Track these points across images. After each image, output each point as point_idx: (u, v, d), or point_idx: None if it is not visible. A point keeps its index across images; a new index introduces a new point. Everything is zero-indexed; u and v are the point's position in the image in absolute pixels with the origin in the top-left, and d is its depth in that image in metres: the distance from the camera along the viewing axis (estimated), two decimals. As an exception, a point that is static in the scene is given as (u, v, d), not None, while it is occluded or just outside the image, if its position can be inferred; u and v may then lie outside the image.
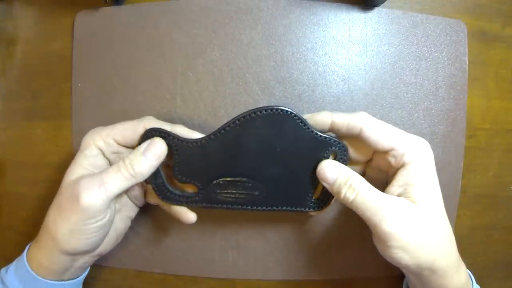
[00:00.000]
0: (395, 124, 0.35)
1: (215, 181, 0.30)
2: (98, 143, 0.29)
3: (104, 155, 0.30)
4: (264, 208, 0.30)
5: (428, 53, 0.36)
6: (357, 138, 0.28)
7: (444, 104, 0.36)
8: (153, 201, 0.33)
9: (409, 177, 0.27)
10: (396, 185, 0.27)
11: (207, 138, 0.29)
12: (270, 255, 0.36)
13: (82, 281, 0.33)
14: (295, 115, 0.28)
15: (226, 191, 0.30)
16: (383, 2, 0.34)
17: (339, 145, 0.29)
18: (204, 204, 0.30)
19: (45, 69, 0.37)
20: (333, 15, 0.35)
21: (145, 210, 0.35)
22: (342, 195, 0.27)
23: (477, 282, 0.30)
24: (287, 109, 0.27)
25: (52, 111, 0.37)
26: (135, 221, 0.34)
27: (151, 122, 0.30)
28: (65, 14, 0.37)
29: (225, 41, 0.35)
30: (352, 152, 0.30)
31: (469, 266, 0.30)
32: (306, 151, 0.28)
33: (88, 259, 0.31)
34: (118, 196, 0.28)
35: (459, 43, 0.36)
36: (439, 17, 0.36)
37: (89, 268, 0.33)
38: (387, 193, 0.27)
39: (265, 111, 0.27)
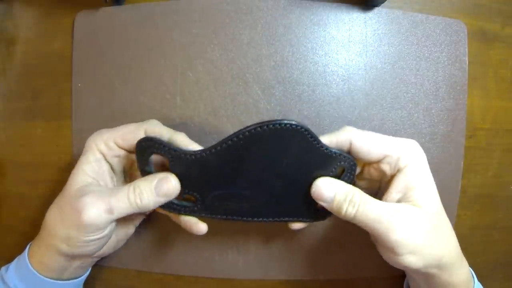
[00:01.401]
0: (395, 124, 0.35)
1: (214, 193, 0.28)
2: (100, 146, 0.29)
3: (106, 159, 0.30)
4: (265, 219, 0.29)
5: (428, 53, 0.36)
6: None
7: (444, 104, 0.36)
8: (160, 210, 0.32)
9: (408, 180, 0.26)
10: (394, 191, 0.27)
11: (207, 152, 0.26)
12: (270, 255, 0.36)
13: (83, 281, 0.33)
14: (305, 130, 0.25)
15: (226, 202, 0.29)
16: (383, 2, 0.34)
17: (348, 159, 0.27)
18: (203, 214, 0.29)
19: (45, 69, 0.37)
20: (333, 15, 0.35)
21: (145, 210, 0.35)
22: (343, 212, 0.26)
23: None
24: (295, 123, 0.25)
25: (52, 111, 0.37)
26: (135, 221, 0.34)
27: (153, 127, 0.29)
28: (65, 14, 0.37)
29: (225, 41, 0.35)
30: None
31: (469, 266, 0.30)
32: (313, 165, 0.27)
33: (87, 260, 0.31)
34: None
35: (459, 43, 0.36)
36: (439, 17, 0.36)
37: (90, 269, 0.34)
38: (386, 201, 0.27)
39: (272, 126, 0.24)
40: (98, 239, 0.28)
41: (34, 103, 0.37)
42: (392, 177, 0.27)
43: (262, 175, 0.27)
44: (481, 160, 0.37)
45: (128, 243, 0.36)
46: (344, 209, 0.26)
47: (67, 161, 0.37)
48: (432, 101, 0.36)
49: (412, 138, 0.35)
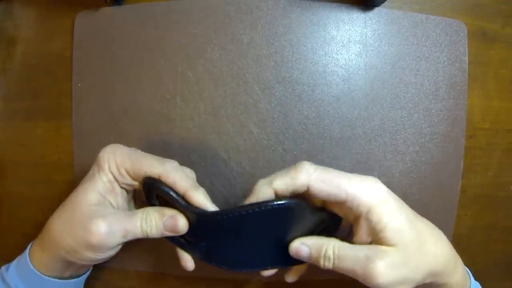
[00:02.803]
0: (395, 124, 0.35)
1: (208, 242, 0.29)
2: (112, 169, 0.28)
3: (118, 183, 0.29)
4: (251, 269, 0.31)
5: (428, 53, 0.36)
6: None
7: (444, 104, 0.36)
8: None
9: (373, 225, 0.26)
10: (364, 235, 0.27)
11: (206, 217, 0.27)
12: (270, 255, 0.36)
13: (84, 280, 0.33)
14: (298, 205, 0.27)
15: (217, 252, 0.30)
16: (383, 2, 0.34)
17: (333, 220, 0.29)
18: (195, 255, 0.30)
19: (45, 69, 0.37)
20: (333, 15, 0.35)
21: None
22: (322, 265, 0.27)
23: (477, 282, 0.30)
24: (290, 203, 0.26)
25: (52, 111, 0.37)
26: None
27: (170, 171, 0.28)
28: (65, 14, 0.37)
29: (225, 41, 0.35)
30: None
31: (469, 266, 0.30)
32: (302, 226, 0.28)
33: (88, 264, 0.31)
34: None
35: (459, 43, 0.36)
36: (439, 17, 0.36)
37: (91, 268, 0.34)
38: (359, 243, 0.27)
39: (270, 206, 0.26)
40: (103, 258, 0.29)
41: (34, 103, 0.37)
42: (357, 218, 0.27)
43: (255, 240, 0.29)
44: (481, 160, 0.37)
45: (128, 244, 0.36)
46: (322, 263, 0.27)
47: (67, 161, 0.37)
48: (432, 101, 0.36)
49: (412, 138, 0.35)
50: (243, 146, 0.35)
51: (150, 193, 0.29)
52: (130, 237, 0.28)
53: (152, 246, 0.36)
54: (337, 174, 0.27)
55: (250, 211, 0.26)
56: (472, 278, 0.29)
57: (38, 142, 0.37)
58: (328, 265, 0.27)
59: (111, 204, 0.29)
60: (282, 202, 0.26)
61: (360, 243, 0.27)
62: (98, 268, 0.36)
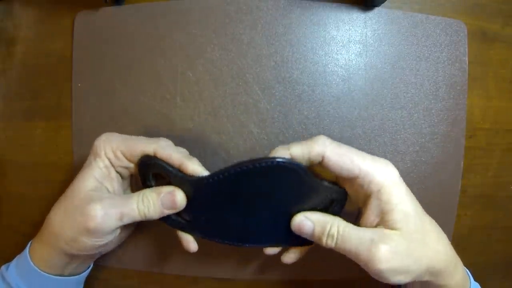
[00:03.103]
0: (395, 124, 0.35)
1: (208, 215, 0.29)
2: (109, 154, 0.29)
3: (114, 168, 0.30)
4: (256, 245, 0.30)
5: (428, 53, 0.36)
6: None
7: (444, 104, 0.36)
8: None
9: (382, 205, 0.26)
10: (371, 216, 0.27)
11: (204, 181, 0.27)
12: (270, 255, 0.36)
13: (84, 277, 0.33)
14: (296, 166, 0.26)
15: (218, 226, 0.29)
16: (383, 2, 0.34)
17: (339, 192, 0.28)
18: (196, 233, 0.30)
19: (45, 69, 0.37)
20: (333, 15, 0.35)
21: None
22: (324, 244, 0.27)
23: (477, 282, 0.30)
24: (287, 161, 0.26)
25: (52, 111, 0.37)
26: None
27: (164, 148, 0.28)
28: (65, 14, 0.37)
29: (225, 41, 0.35)
30: None
31: (469, 266, 0.30)
32: (305, 197, 0.28)
33: (89, 258, 0.31)
34: None
35: (459, 43, 0.36)
36: (439, 17, 0.36)
37: (91, 266, 0.34)
38: (365, 225, 0.27)
39: (265, 164, 0.26)
40: (105, 243, 0.29)
41: (34, 103, 0.37)
42: (367, 198, 0.27)
43: (254, 205, 0.28)
44: (481, 160, 0.37)
45: (128, 243, 0.36)
46: (324, 241, 0.27)
47: (67, 161, 0.37)
48: (432, 101, 0.36)
49: (412, 138, 0.35)
50: (243, 146, 0.35)
51: (146, 173, 0.29)
52: (126, 220, 0.28)
53: (152, 245, 0.36)
54: (352, 150, 0.27)
55: (251, 166, 0.26)
56: (472, 279, 0.29)
57: (38, 142, 0.37)
58: (331, 243, 0.26)
59: (107, 189, 0.29)
60: (282, 160, 0.25)
61: (366, 226, 0.27)
62: (98, 267, 0.36)
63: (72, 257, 0.29)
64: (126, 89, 0.36)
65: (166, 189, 0.28)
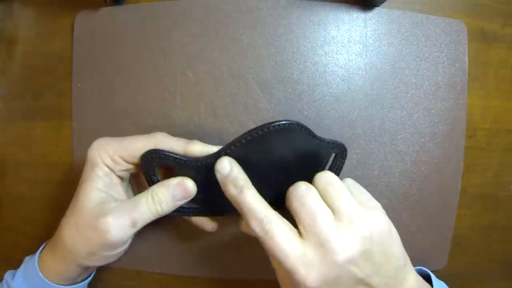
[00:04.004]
0: (395, 124, 0.35)
1: (220, 193, 0.29)
2: (106, 161, 0.28)
3: (114, 173, 0.29)
4: None
5: (428, 53, 0.36)
6: None
7: (444, 104, 0.36)
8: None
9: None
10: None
11: (212, 158, 0.27)
12: (270, 255, 0.36)
13: (87, 282, 0.33)
14: (300, 126, 0.27)
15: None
16: (383, 2, 0.34)
17: (338, 146, 0.29)
18: (210, 213, 0.31)
19: (45, 69, 0.37)
20: (333, 15, 0.35)
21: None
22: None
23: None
24: (291, 122, 0.26)
25: (52, 111, 0.37)
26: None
27: (162, 141, 0.28)
28: (65, 14, 0.37)
29: (225, 41, 0.35)
30: None
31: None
32: (311, 156, 0.29)
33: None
34: None
35: (459, 43, 0.36)
36: (439, 17, 0.36)
37: (95, 271, 0.34)
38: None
39: (273, 127, 0.26)
40: (120, 253, 0.29)
41: (34, 103, 0.37)
42: None
43: (267, 172, 0.28)
44: (481, 160, 0.37)
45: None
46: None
47: (67, 161, 0.37)
48: (432, 101, 0.36)
49: (412, 138, 0.36)
50: (243, 146, 0.35)
51: (150, 169, 0.28)
52: (140, 225, 0.27)
53: (152, 245, 0.36)
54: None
55: (260, 131, 0.26)
56: (435, 279, 0.28)
57: (38, 142, 0.37)
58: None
59: (113, 197, 0.29)
60: (283, 121, 0.26)
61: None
62: (99, 268, 0.36)
63: (88, 268, 0.30)
64: (126, 89, 0.36)
65: (174, 181, 0.28)
